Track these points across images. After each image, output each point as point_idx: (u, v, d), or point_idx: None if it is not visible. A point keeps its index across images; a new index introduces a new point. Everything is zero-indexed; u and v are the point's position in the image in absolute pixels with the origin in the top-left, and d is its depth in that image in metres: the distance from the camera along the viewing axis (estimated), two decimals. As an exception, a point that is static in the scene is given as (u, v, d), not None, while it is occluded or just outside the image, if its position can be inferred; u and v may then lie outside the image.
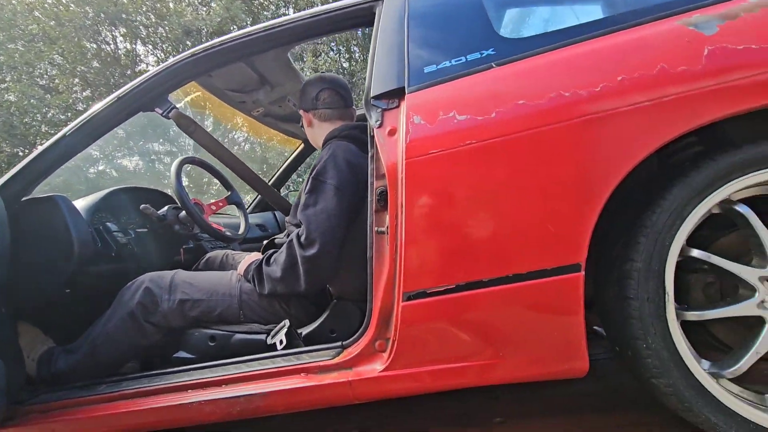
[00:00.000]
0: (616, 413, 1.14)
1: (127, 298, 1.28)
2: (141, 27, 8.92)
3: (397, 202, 0.94)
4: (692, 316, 0.87)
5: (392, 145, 0.98)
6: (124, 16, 8.47)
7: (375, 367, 0.97)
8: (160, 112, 1.34)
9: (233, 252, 1.67)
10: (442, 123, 0.94)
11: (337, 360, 1.02)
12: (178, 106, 1.38)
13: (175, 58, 1.32)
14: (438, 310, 0.90)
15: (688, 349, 0.86)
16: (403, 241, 0.92)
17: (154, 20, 8.84)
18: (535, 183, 0.88)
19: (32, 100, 8.01)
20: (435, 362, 0.92)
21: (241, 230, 1.70)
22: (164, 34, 8.87)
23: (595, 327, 1.47)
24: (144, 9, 8.74)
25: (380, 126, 1.03)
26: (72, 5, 8.27)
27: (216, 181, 1.88)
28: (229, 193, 1.73)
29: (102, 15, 8.28)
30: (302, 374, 1.03)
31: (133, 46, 9.31)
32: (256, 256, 1.37)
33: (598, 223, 0.90)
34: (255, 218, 2.47)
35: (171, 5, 8.89)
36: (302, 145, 2.46)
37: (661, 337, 0.85)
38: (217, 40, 1.31)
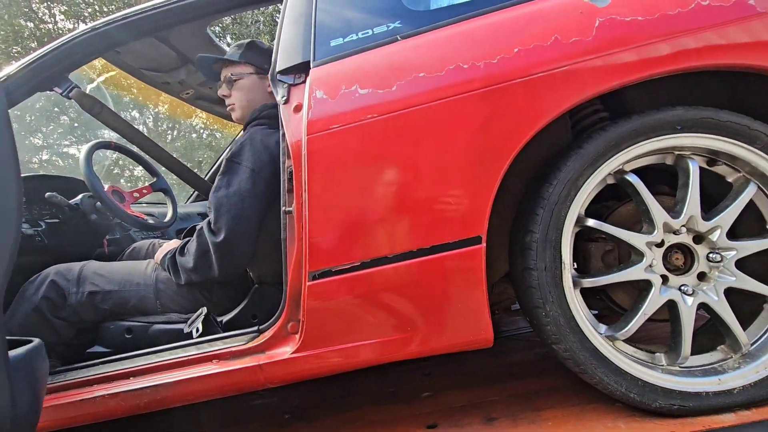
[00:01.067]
0: (532, 380, 1.19)
1: (30, 293, 1.20)
2: (83, 4, 8.29)
3: (302, 181, 0.91)
4: (588, 282, 0.90)
5: (297, 122, 0.95)
6: (63, -9, 7.85)
7: (286, 350, 0.95)
8: (60, 91, 1.24)
9: (161, 241, 1.59)
10: (344, 97, 0.91)
11: (250, 345, 1.00)
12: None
13: (73, 33, 1.22)
14: (344, 288, 0.89)
15: (584, 315, 0.89)
16: (306, 220, 0.90)
17: (95, -4, 8.24)
18: (435, 156, 0.87)
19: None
20: (345, 341, 0.91)
21: (168, 218, 1.62)
22: (111, 13, 8.28)
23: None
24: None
25: (286, 102, 0.99)
26: (-3, -21, 7.57)
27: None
28: (155, 179, 1.64)
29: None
30: (214, 361, 1.00)
31: (76, 26, 8.64)
32: (176, 243, 1.31)
33: (503, 196, 0.91)
34: (196, 207, 2.37)
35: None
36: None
37: (558, 304, 0.88)
38: (120, 13, 1.22)
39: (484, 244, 0.87)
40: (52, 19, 8.45)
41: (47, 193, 1.36)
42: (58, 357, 1.35)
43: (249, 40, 1.34)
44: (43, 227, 1.42)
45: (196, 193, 2.58)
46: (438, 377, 1.36)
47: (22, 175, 1.51)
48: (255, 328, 1.05)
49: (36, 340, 0.82)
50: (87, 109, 1.31)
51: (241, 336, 1.04)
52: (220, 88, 1.29)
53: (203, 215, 2.39)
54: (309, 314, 0.91)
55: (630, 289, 0.99)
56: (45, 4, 8.06)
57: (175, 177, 1.84)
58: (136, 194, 1.59)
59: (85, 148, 1.39)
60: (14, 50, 8.03)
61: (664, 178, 1.02)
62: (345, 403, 1.29)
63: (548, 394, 1.08)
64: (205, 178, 2.14)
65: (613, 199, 1.06)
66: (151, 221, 1.51)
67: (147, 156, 1.63)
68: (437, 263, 0.88)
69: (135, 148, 1.62)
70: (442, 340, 0.90)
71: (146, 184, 1.65)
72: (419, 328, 0.90)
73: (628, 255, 0.96)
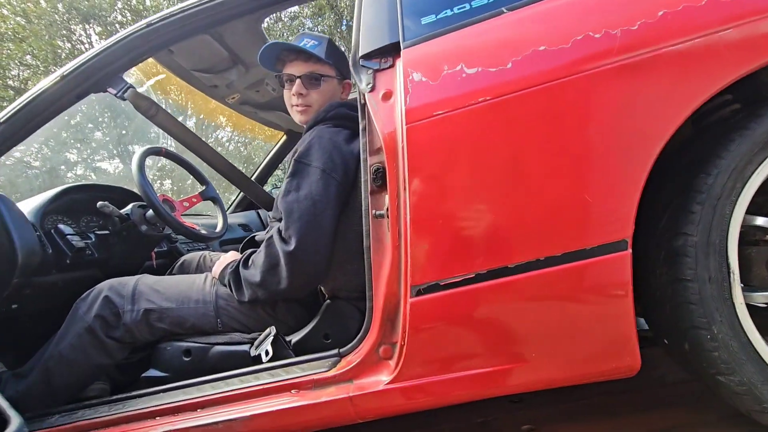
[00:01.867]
0: (658, 413, 0.99)
1: (83, 311, 1.09)
2: (117, 24, 8.59)
3: (399, 178, 0.77)
4: (762, 297, 0.72)
5: (388, 111, 0.81)
6: (98, 12, 8.14)
7: (380, 378, 0.80)
8: (114, 92, 1.15)
9: (212, 253, 1.48)
10: (448, 79, 0.77)
11: (333, 372, 0.85)
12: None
13: (128, 30, 1.14)
14: (455, 305, 0.74)
15: (762, 339, 0.71)
16: (408, 224, 0.75)
17: (130, 18, 8.51)
18: (566, 144, 0.72)
19: (4, 103, 7.67)
20: (452, 369, 0.75)
21: (219, 228, 1.51)
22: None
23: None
24: (119, 5, 8.41)
25: (372, 90, 0.85)
26: (42, 1, 7.91)
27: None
28: (204, 187, 1.54)
29: (74, 11, 7.93)
30: (292, 391, 0.86)
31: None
32: (234, 255, 1.19)
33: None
34: (237, 218, 2.28)
35: (147, 1, 8.57)
36: (285, 137, 2.28)
37: (729, 324, 0.70)
38: (175, 7, 1.13)
39: (630, 250, 0.70)
40: (88, 39, 8.80)
41: (99, 203, 1.27)
42: (110, 381, 1.25)
43: (327, 36, 1.22)
44: (93, 239, 1.33)
45: (235, 203, 2.51)
46: (534, 407, 1.18)
47: (70, 185, 1.45)
48: (335, 351, 0.91)
49: (15, 422, 0.67)
50: (142, 111, 1.23)
51: (319, 361, 0.90)
52: (294, 84, 1.14)
53: (244, 226, 2.30)
54: (411, 336, 0.75)
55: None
56: (81, 25, 8.40)
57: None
58: (185, 203, 1.49)
59: (136, 154, 1.30)
60: (52, 69, 8.38)
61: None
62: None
63: (689, 429, 0.89)
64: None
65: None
66: (204, 231, 1.41)
67: (196, 164, 1.54)
68: (572, 274, 0.71)
69: (185, 155, 1.53)
70: (577, 368, 0.73)
71: (195, 192, 1.56)
72: (548, 353, 0.73)
73: (801, 261, 0.78)
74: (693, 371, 0.79)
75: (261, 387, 0.87)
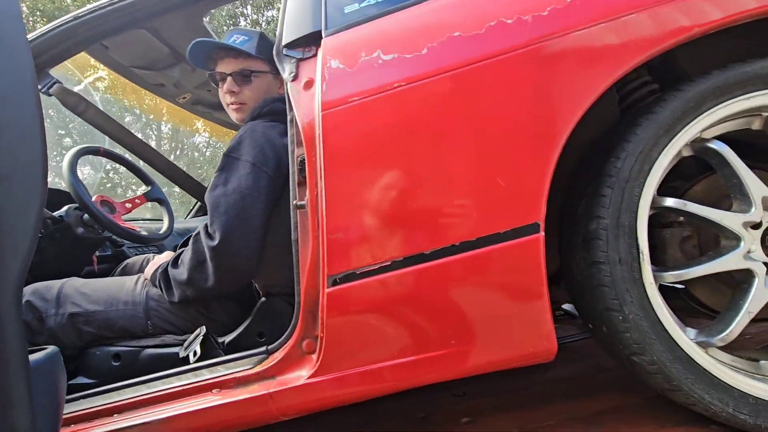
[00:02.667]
0: (593, 398, 1.00)
1: (2, 317, 1.03)
2: None
3: (316, 168, 0.76)
4: (671, 277, 0.74)
5: (309, 100, 0.80)
6: (63, 14, 7.90)
7: (301, 374, 0.78)
8: (39, 87, 1.10)
9: (157, 256, 1.43)
10: (365, 66, 0.77)
11: (258, 369, 0.82)
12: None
13: (54, 23, 1.10)
14: (372, 294, 0.73)
15: (671, 317, 0.72)
16: (323, 213, 0.74)
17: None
18: (477, 128, 0.72)
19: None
20: (374, 360, 0.74)
21: (164, 229, 1.46)
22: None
23: (564, 306, 1.34)
24: (88, 7, 8.20)
25: (295, 79, 0.84)
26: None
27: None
28: (149, 188, 1.49)
29: (38, 13, 7.68)
30: (214, 390, 0.82)
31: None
32: (169, 256, 1.15)
33: (559, 180, 0.76)
34: (197, 222, 2.22)
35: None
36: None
37: (639, 305, 0.71)
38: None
39: (542, 233, 0.71)
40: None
41: (26, 204, 1.21)
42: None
43: (258, 30, 1.20)
44: (23, 243, 1.26)
45: (198, 206, 2.44)
46: (475, 398, 1.17)
47: None
48: (263, 348, 0.88)
49: (52, 347, 0.66)
50: (70, 108, 1.18)
51: (246, 359, 0.87)
52: (225, 82, 1.13)
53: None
54: (329, 328, 0.74)
55: (716, 284, 0.82)
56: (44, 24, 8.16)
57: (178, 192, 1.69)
58: (128, 205, 1.44)
59: (69, 154, 1.25)
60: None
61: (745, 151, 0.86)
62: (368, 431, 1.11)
63: (616, 415, 0.89)
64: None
65: (680, 179, 0.91)
66: (144, 233, 1.36)
67: (140, 163, 1.49)
68: (486, 258, 0.71)
69: (128, 155, 1.48)
70: (494, 354, 0.73)
71: (139, 193, 1.51)
72: (466, 340, 0.73)
73: (713, 241, 0.80)
74: (613, 354, 0.80)
75: (182, 388, 0.84)
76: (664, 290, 0.84)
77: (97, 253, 1.49)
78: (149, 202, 1.53)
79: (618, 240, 0.72)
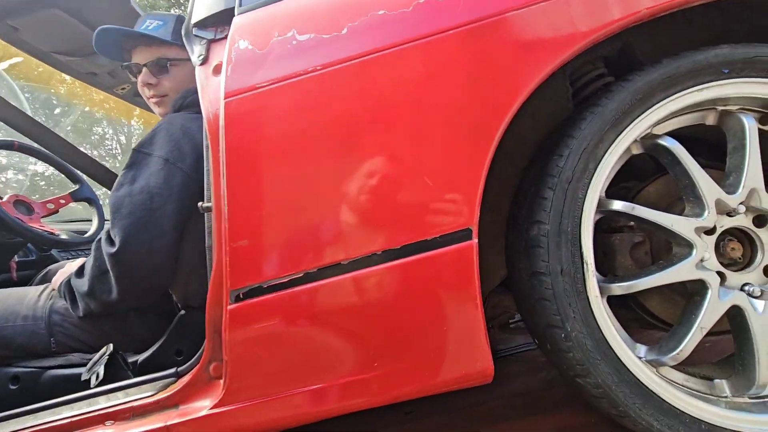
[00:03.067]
0: (548, 415, 0.92)
1: None
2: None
3: (220, 163, 0.66)
4: (619, 288, 0.66)
5: (216, 87, 0.70)
6: None
7: (204, 403, 0.67)
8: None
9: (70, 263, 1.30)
10: (277, 47, 0.67)
11: (160, 396, 0.72)
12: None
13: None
14: (281, 311, 0.63)
15: (618, 335, 0.64)
16: (225, 217, 0.64)
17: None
18: (402, 122, 0.63)
19: None
20: (286, 387, 0.64)
21: (90, 232, 1.33)
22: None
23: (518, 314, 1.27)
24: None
25: (204, 62, 0.74)
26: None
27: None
28: (77, 187, 1.36)
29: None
30: (107, 423, 0.71)
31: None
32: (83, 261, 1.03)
33: (507, 182, 0.68)
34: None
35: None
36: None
37: (583, 321, 0.63)
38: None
39: (475, 240, 0.62)
40: None
41: None
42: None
43: (175, 14, 1.09)
44: None
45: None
46: (425, 417, 1.09)
47: None
48: (173, 370, 0.78)
49: None
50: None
51: (150, 383, 0.76)
52: (141, 74, 1.02)
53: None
54: (232, 351, 0.64)
55: (669, 294, 0.76)
56: None
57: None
58: (50, 205, 1.30)
59: (-27, 148, 1.11)
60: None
61: (699, 150, 0.80)
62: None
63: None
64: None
65: (634, 179, 0.84)
66: (64, 236, 1.22)
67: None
68: (412, 269, 0.62)
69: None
70: (422, 377, 0.64)
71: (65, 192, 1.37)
72: (390, 362, 0.64)
73: (664, 248, 0.73)
74: (560, 373, 0.72)
75: (72, 420, 0.72)
76: (616, 301, 0.78)
77: (15, 258, 1.35)
78: (78, 203, 1.39)
79: (560, 248, 0.64)
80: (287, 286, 0.62)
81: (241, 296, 0.63)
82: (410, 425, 1.05)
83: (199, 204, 0.71)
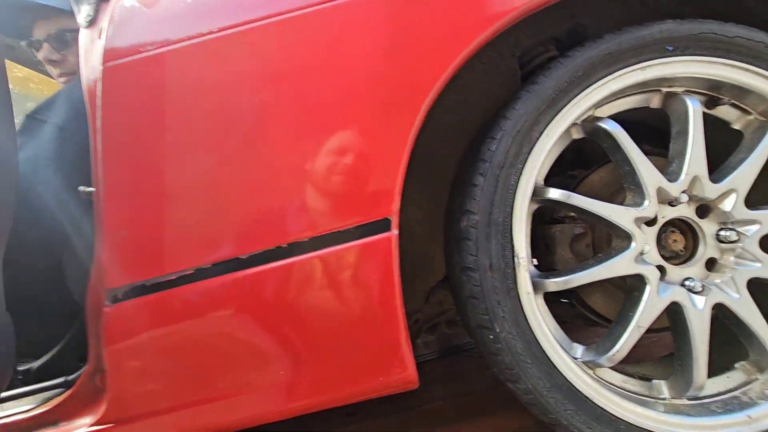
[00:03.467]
0: (491, 418, 0.87)
1: None
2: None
3: (96, 140, 0.56)
4: (554, 285, 0.60)
5: (98, 51, 0.60)
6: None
7: (84, 420, 0.58)
8: None
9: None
10: (168, 4, 0.57)
11: (39, 411, 0.62)
12: None
13: None
14: (167, 313, 0.54)
15: (552, 335, 0.59)
16: (102, 204, 0.55)
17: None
18: (311, 95, 0.55)
19: None
20: (176, 402, 0.56)
21: None
22: None
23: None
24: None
25: (91, 24, 0.63)
26: None
27: None
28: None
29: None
30: (-28, 445, 0.61)
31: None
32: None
33: (432, 172, 0.61)
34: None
35: None
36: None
37: (513, 321, 0.57)
38: None
39: (395, 231, 0.55)
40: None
41: None
42: None
43: None
44: None
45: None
46: (368, 418, 1.02)
47: None
48: (62, 379, 0.68)
49: None
50: None
51: (33, 396, 0.66)
52: (42, 50, 0.90)
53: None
54: (111, 359, 0.54)
55: (611, 290, 0.71)
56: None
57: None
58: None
59: None
60: None
61: (646, 136, 0.75)
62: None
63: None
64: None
65: (580, 168, 0.79)
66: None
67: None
68: (323, 264, 0.55)
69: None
70: (335, 386, 0.57)
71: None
72: (299, 369, 0.56)
73: (606, 241, 0.68)
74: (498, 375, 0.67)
75: (-70, 442, 0.62)
76: (558, 298, 0.73)
77: None
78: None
79: (489, 240, 0.58)
80: (175, 284, 0.53)
81: (120, 296, 0.53)
82: (354, 426, 0.98)
83: (80, 188, 0.61)
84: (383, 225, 0.55)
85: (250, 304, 0.54)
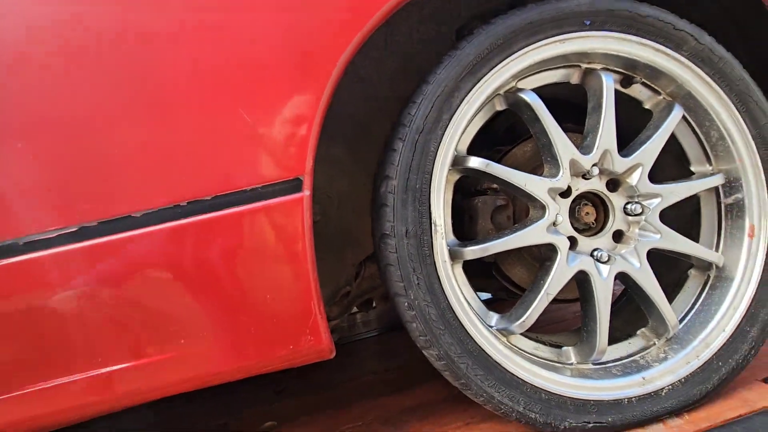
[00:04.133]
0: (407, 393, 0.87)
1: None
2: None
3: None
4: (470, 252, 0.60)
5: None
6: None
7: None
8: None
9: None
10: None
11: None
12: None
13: None
14: (42, 278, 0.49)
15: (467, 303, 0.59)
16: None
17: None
18: (210, 30, 0.51)
19: None
20: (39, 377, 0.51)
21: None
22: None
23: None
24: None
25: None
26: None
27: None
28: None
29: None
30: None
31: None
32: None
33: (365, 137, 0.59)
34: None
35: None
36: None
37: (427, 289, 0.57)
38: None
39: (307, 192, 0.52)
40: None
41: None
42: None
43: None
44: None
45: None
46: (293, 396, 1.00)
47: None
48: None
49: None
50: None
51: None
52: None
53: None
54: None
55: (531, 262, 0.73)
56: None
57: None
58: None
59: None
60: None
61: (571, 116, 0.77)
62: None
63: (421, 412, 0.77)
64: None
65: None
66: None
67: None
68: (228, 225, 0.51)
69: None
70: (241, 355, 0.54)
71: None
72: (200, 338, 0.52)
73: (525, 213, 0.70)
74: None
75: None
76: (483, 270, 0.74)
77: None
78: None
79: (406, 207, 0.57)
80: (53, 245, 0.48)
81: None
82: (276, 405, 0.96)
83: None
84: (294, 185, 0.52)
85: (145, 267, 0.50)
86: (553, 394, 0.59)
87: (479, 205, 0.69)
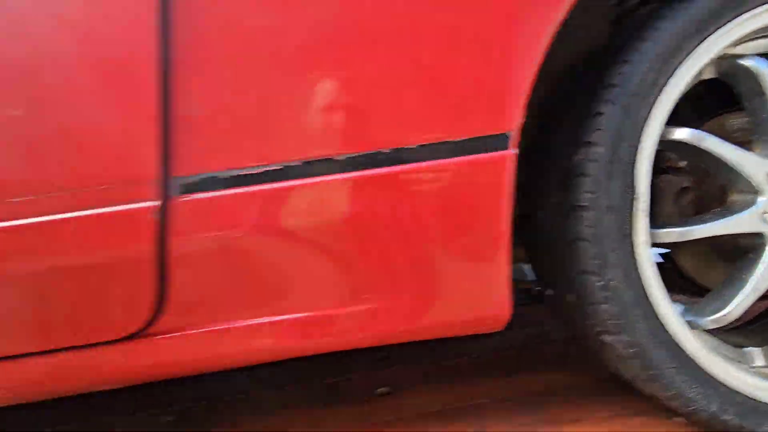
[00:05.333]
0: (534, 375, 0.83)
1: None
2: None
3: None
4: (670, 235, 0.55)
5: None
6: None
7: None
8: None
9: None
10: None
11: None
12: None
13: None
14: (246, 212, 0.47)
15: (662, 289, 0.54)
16: (169, 65, 0.45)
17: None
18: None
19: None
20: (246, 313, 0.49)
21: None
22: None
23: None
24: None
25: None
26: None
27: None
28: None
29: None
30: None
31: None
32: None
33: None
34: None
35: None
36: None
37: (624, 270, 0.51)
38: None
39: (513, 150, 0.48)
40: None
41: None
42: None
43: None
44: None
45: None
46: (400, 366, 0.98)
47: None
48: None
49: None
50: None
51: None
52: None
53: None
54: (176, 260, 0.47)
55: (704, 250, 0.66)
56: None
57: None
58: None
59: None
60: None
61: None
62: (260, 401, 0.88)
63: (560, 397, 0.74)
64: None
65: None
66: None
67: None
68: (423, 178, 0.47)
69: None
70: (423, 316, 0.51)
71: None
72: (384, 296, 0.50)
73: (713, 197, 0.62)
74: (576, 328, 0.62)
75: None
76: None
77: None
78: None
79: (611, 179, 0.51)
80: (260, 181, 0.45)
81: (191, 186, 0.45)
82: (380, 373, 0.94)
83: None
84: (501, 141, 0.48)
85: (340, 213, 0.47)
86: (749, 397, 0.53)
87: (663, 185, 0.62)
